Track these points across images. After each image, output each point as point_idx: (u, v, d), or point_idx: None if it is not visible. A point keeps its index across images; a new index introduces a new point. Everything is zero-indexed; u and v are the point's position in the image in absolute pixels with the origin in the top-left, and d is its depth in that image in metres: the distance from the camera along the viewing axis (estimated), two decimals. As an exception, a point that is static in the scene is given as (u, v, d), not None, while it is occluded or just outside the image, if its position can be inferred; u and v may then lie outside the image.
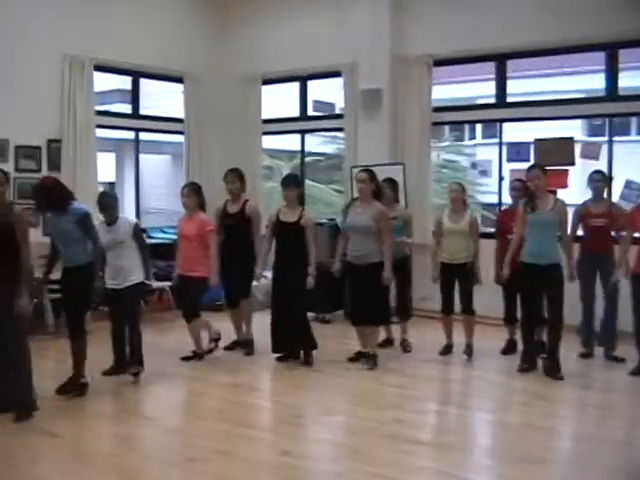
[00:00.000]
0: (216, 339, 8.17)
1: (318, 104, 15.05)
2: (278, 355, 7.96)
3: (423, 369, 7.79)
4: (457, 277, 8.11)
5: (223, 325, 8.47)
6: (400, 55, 10.47)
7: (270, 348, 7.95)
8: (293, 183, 7.96)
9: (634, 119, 15.99)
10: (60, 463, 5.24)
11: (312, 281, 7.65)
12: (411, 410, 6.46)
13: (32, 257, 6.07)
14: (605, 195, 8.23)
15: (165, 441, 5.82)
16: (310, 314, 8.47)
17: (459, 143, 19.68)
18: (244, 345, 8.39)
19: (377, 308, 7.66)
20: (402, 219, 8.33)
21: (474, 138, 20.24)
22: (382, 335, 8.40)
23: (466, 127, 19.54)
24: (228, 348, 8.47)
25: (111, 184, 17.81)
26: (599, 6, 9.00)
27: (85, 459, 5.38)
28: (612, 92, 9.41)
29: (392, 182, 8.54)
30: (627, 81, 9.96)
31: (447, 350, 8.30)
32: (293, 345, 7.89)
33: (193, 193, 7.88)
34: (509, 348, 8.28)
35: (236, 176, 8.29)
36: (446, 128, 17.63)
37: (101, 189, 10.46)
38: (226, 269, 8.11)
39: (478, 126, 19.32)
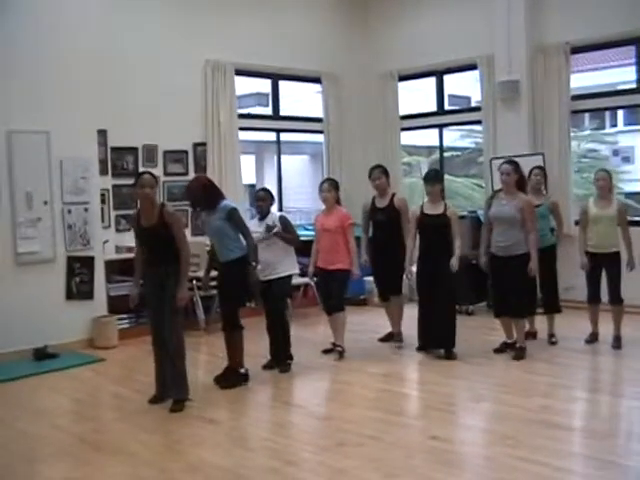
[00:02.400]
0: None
1: (453, 98, 15.03)
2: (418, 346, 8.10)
3: (570, 359, 7.73)
4: (604, 266, 7.97)
5: (369, 318, 8.60)
6: (537, 45, 10.40)
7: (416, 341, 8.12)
8: (435, 178, 8.02)
9: None
10: (220, 447, 5.53)
11: (456, 265, 7.61)
12: (559, 398, 6.44)
13: (190, 253, 6.41)
14: None
15: (317, 427, 6.04)
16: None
17: (600, 132, 19.17)
18: (397, 338, 8.54)
19: (522, 300, 7.65)
20: (546, 206, 8.21)
21: (615, 125, 19.64)
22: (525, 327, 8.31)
23: (607, 114, 19.01)
24: (383, 340, 8.67)
25: (252, 186, 18.34)
26: None
27: (243, 443, 5.68)
28: None
29: (542, 170, 8.57)
30: None
31: (593, 338, 8.20)
32: (438, 343, 7.93)
33: (332, 188, 8.07)
34: None
35: (381, 172, 8.43)
36: (586, 117, 17.22)
37: (246, 191, 10.81)
38: (377, 264, 8.39)
39: (620, 113, 18.77)
